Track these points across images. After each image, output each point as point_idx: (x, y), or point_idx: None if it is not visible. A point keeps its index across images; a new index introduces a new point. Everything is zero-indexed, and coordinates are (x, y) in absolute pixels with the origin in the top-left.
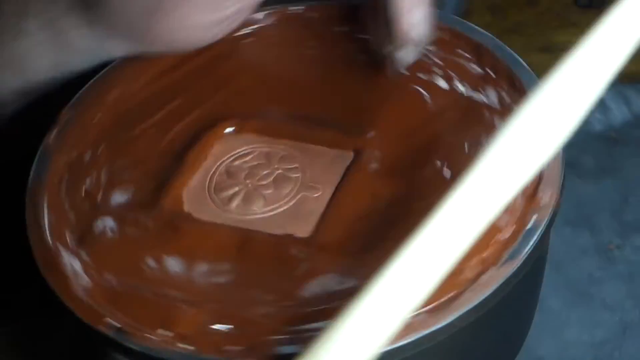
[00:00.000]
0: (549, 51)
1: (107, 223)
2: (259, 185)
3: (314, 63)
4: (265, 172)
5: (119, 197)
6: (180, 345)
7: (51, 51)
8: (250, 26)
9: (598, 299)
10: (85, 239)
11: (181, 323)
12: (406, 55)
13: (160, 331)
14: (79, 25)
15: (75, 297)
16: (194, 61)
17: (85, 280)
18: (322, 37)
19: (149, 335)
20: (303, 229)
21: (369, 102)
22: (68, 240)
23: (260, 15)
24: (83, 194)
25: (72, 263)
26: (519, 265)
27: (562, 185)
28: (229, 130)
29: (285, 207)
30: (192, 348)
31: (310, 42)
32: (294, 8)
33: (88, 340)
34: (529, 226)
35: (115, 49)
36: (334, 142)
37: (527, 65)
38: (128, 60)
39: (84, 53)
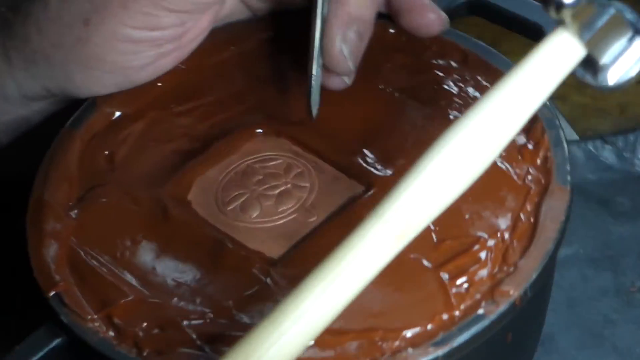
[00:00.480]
0: None
1: (109, 190)
2: (263, 194)
3: (379, 91)
4: (275, 183)
5: (135, 168)
6: (104, 330)
7: None
8: None
9: (609, 342)
10: (84, 199)
11: (118, 310)
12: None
13: (95, 312)
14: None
15: (42, 258)
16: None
17: (58, 243)
18: (409, 65)
19: (80, 313)
20: (276, 250)
21: (408, 142)
22: (68, 196)
23: None
24: (106, 155)
25: (56, 222)
26: (446, 351)
27: (534, 283)
28: (263, 131)
29: (274, 224)
30: (111, 335)
31: (393, 68)
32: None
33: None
34: (472, 316)
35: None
36: (354, 172)
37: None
38: (219, 29)
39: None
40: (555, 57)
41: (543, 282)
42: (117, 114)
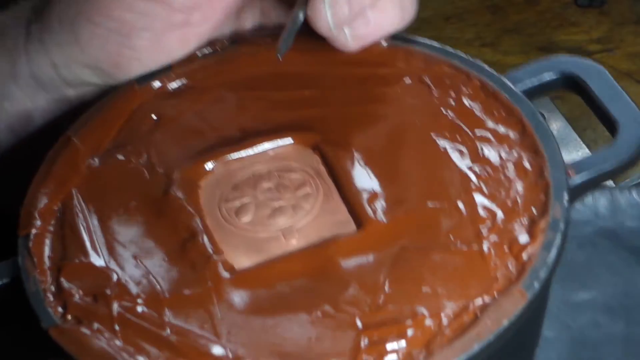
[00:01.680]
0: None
1: (135, 151)
2: (263, 203)
3: (429, 138)
4: (279, 196)
5: (171, 139)
6: (47, 284)
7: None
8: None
9: None
10: (109, 152)
11: (69, 269)
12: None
13: (50, 264)
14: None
15: (37, 196)
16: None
17: (61, 187)
18: (470, 121)
19: (36, 260)
20: (242, 261)
21: (423, 198)
22: (97, 145)
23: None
24: (153, 118)
25: (72, 166)
26: None
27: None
28: (305, 140)
29: (256, 235)
30: (51, 291)
31: (454, 121)
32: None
33: None
34: None
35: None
36: (356, 210)
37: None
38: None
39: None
40: None
41: None
42: (184, 82)
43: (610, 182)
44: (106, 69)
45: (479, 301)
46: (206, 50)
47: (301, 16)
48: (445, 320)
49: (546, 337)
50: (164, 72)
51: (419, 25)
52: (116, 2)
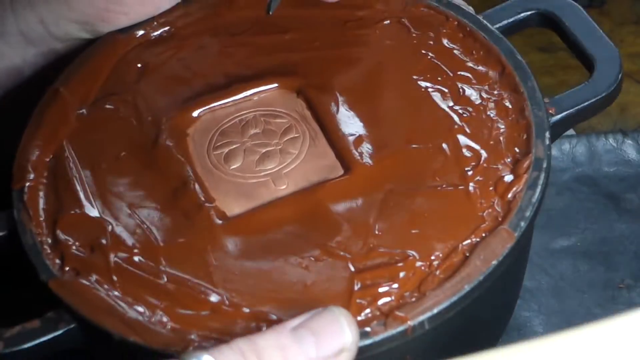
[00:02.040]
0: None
1: (122, 100)
2: (251, 149)
3: (411, 81)
4: (267, 141)
5: (157, 87)
6: (43, 236)
7: None
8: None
9: None
10: (96, 103)
11: (64, 221)
12: None
13: (45, 217)
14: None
15: (29, 149)
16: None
17: (52, 139)
18: (450, 63)
19: (32, 213)
20: (233, 208)
21: (409, 142)
22: (85, 95)
23: None
24: (138, 67)
25: (61, 118)
26: None
27: (434, 317)
28: (288, 85)
29: (246, 181)
30: (48, 243)
31: (434, 62)
32: None
33: None
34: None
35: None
36: (342, 154)
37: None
38: None
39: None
40: None
41: (452, 317)
42: (167, 29)
43: (572, 131)
44: (94, 24)
45: (467, 242)
46: None
47: None
48: (435, 262)
49: (527, 287)
50: (146, 21)
51: None
52: None
